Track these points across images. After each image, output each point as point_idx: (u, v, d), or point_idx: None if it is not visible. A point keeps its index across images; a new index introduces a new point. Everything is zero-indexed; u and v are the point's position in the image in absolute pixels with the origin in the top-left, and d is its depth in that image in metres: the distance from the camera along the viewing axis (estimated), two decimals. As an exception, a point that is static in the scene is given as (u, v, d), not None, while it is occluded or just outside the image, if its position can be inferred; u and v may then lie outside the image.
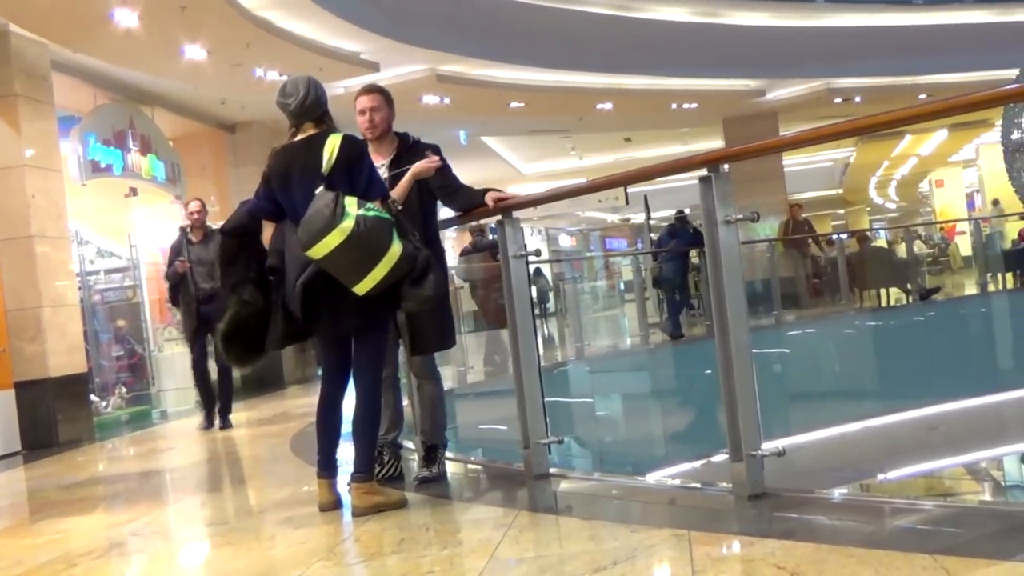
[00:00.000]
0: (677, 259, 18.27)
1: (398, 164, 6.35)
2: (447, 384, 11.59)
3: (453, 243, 33.27)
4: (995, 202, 29.21)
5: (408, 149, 6.47)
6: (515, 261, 6.24)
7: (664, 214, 28.43)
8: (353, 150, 5.65)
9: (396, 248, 5.43)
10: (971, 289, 21.58)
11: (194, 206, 11.62)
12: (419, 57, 17.29)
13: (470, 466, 7.47)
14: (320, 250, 5.36)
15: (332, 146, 5.59)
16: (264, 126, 18.02)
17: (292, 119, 5.79)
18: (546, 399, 6.29)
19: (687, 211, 19.34)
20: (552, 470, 6.19)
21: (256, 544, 5.38)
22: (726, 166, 5.04)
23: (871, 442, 12.79)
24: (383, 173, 6.22)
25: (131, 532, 6.27)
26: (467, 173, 30.55)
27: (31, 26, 12.04)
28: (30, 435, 11.76)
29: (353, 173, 5.59)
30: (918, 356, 15.61)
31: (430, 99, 19.08)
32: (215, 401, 11.71)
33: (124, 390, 15.09)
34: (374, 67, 16.61)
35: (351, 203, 5.40)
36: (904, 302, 20.29)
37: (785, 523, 4.60)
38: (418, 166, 6.22)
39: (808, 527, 4.52)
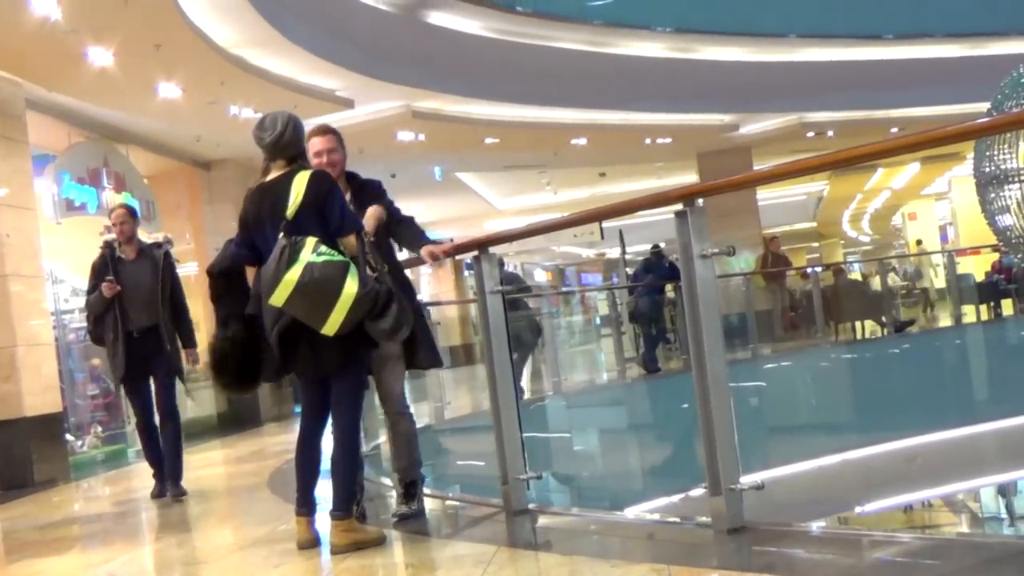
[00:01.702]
0: (653, 293, 18.31)
1: (359, 200, 6.32)
2: (424, 420, 11.60)
3: (430, 277, 33.38)
4: (919, 242, 29.50)
5: (360, 188, 6.49)
6: (491, 296, 6.25)
7: (639, 248, 28.51)
8: (322, 186, 5.64)
9: (351, 289, 5.41)
10: (946, 321, 21.68)
11: (117, 215, 9.23)
12: (394, 94, 17.31)
13: (449, 502, 7.46)
14: (276, 300, 5.42)
15: (299, 186, 5.58)
16: (239, 163, 18.00)
17: (267, 153, 5.77)
18: (524, 434, 6.29)
19: (663, 245, 19.41)
20: (531, 505, 6.19)
21: (234, 583, 5.35)
22: (701, 200, 5.06)
23: (849, 474, 12.82)
24: None
25: (107, 573, 6.23)
26: (442, 209, 30.60)
27: (6, 65, 12.02)
28: (5, 475, 11.67)
29: (324, 209, 5.58)
30: (894, 388, 15.66)
31: (405, 135, 19.12)
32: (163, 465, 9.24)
33: (99, 429, 14.98)
34: (349, 104, 16.63)
35: (307, 248, 5.40)
36: (879, 334, 20.37)
37: (764, 557, 4.60)
38: (374, 217, 6.22)
39: (787, 561, 4.52)
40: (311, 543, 5.73)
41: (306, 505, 5.79)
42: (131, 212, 9.37)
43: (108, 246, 9.13)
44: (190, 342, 9.20)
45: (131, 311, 8.84)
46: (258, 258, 5.71)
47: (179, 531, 7.81)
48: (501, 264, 18.03)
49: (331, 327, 5.43)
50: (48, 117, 13.95)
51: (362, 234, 5.73)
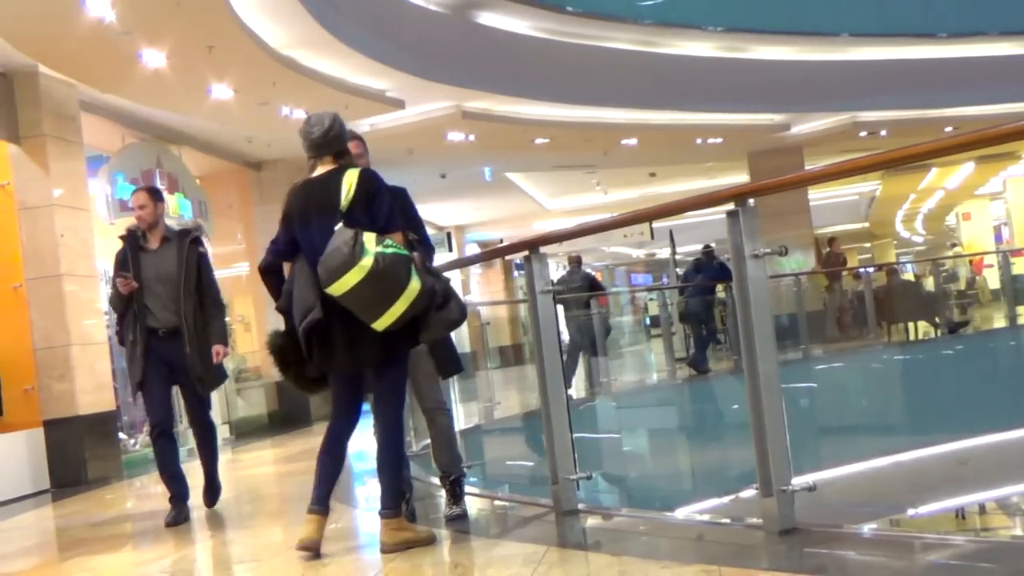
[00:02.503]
0: (703, 294, 18.25)
1: None
2: (473, 420, 11.62)
3: (479, 278, 33.44)
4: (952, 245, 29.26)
5: None
6: (542, 296, 6.25)
7: (689, 249, 28.42)
8: (372, 184, 5.69)
9: (415, 284, 5.46)
10: (1000, 322, 21.46)
11: (137, 198, 8.26)
12: (444, 94, 17.33)
13: (498, 502, 7.46)
14: (340, 287, 5.39)
15: (350, 181, 5.63)
16: (290, 164, 18.08)
17: (313, 150, 5.82)
18: (574, 435, 6.29)
19: (714, 245, 19.34)
20: (580, 506, 6.19)
21: (284, 582, 5.38)
22: (752, 200, 5.04)
23: (901, 477, 12.70)
24: None
25: (159, 570, 6.28)
26: (492, 209, 30.69)
27: (60, 67, 12.15)
28: (59, 473, 11.80)
29: (373, 207, 5.63)
30: (947, 390, 15.52)
31: (455, 136, 19.13)
32: (185, 486, 8.27)
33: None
34: (399, 104, 16.68)
35: (370, 240, 5.43)
36: (932, 335, 20.20)
37: (816, 559, 4.57)
38: None
39: (839, 563, 4.49)
40: (313, 544, 5.67)
41: (323, 504, 5.76)
42: (153, 194, 8.28)
43: (130, 235, 8.14)
44: (219, 338, 8.09)
45: (155, 308, 7.91)
46: (296, 253, 5.75)
47: (230, 529, 7.85)
48: (579, 263, 18.45)
49: (385, 321, 5.45)
50: (102, 118, 14.07)
51: (409, 236, 5.76)
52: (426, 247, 6.41)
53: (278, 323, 6.00)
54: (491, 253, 24.11)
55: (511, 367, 20.92)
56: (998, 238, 41.35)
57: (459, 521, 6.35)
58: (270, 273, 5.94)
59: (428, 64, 16.17)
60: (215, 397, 15.05)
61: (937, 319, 20.38)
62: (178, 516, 7.88)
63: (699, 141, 23.49)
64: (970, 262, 33.14)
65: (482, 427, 11.83)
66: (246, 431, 15.97)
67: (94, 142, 13.75)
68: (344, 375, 5.83)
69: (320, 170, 5.80)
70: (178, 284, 7.90)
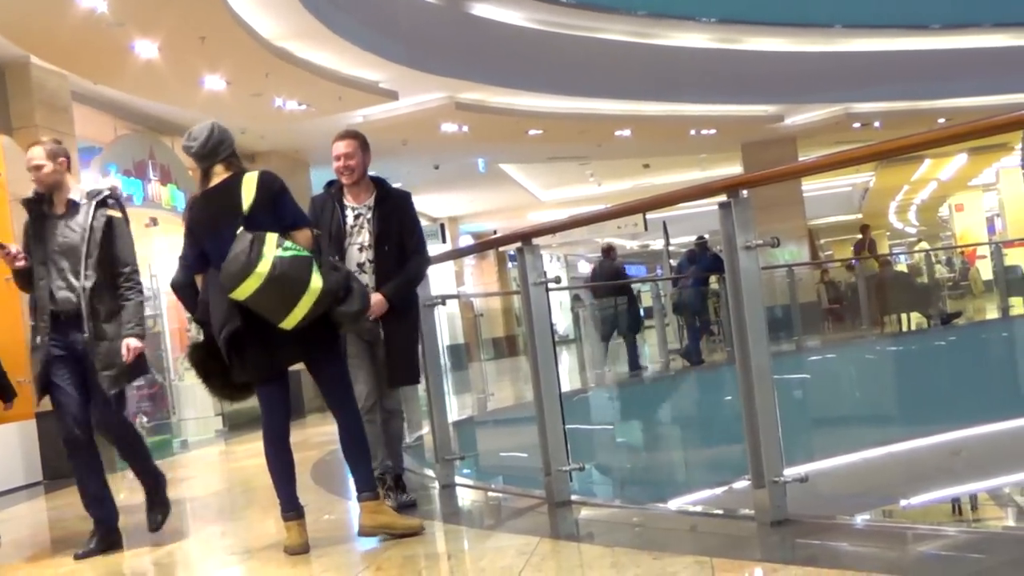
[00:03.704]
0: (697, 285, 18.27)
1: (384, 206, 6.62)
2: (467, 412, 11.63)
3: (473, 269, 33.45)
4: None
5: (386, 195, 6.70)
6: (535, 288, 6.25)
7: (682, 240, 28.42)
8: (273, 185, 5.75)
9: (316, 283, 5.49)
10: (992, 314, 21.48)
11: (34, 156, 6.64)
12: (438, 85, 17.33)
13: (491, 494, 7.46)
14: (241, 293, 5.45)
15: (250, 185, 5.66)
16: (283, 155, 18.07)
17: (198, 162, 5.85)
18: (567, 426, 6.29)
19: (707, 236, 19.35)
20: (573, 497, 6.19)
21: (278, 574, 5.38)
22: (745, 192, 5.04)
23: (893, 467, 12.72)
24: (367, 215, 6.58)
25: (152, 562, 6.28)
26: (486, 200, 30.68)
27: (52, 58, 12.13)
28: (51, 465, 11.77)
29: (278, 207, 5.70)
30: (940, 381, 15.55)
31: (449, 127, 19.13)
32: (108, 510, 6.78)
33: (144, 419, 15.09)
34: (393, 96, 16.67)
35: (270, 244, 5.47)
36: (925, 326, 20.22)
37: (808, 549, 4.58)
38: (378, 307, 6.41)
39: (831, 553, 4.50)
40: (304, 548, 5.69)
41: (293, 508, 5.79)
42: (52, 151, 6.71)
43: (33, 199, 6.69)
44: (131, 329, 6.45)
45: (57, 287, 6.46)
46: (206, 265, 5.79)
47: (223, 521, 7.85)
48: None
49: (291, 321, 5.49)
50: (94, 110, 14.06)
51: (314, 230, 5.86)
52: (420, 254, 6.64)
53: None
54: (484, 244, 24.12)
55: (504, 358, 20.91)
56: (991, 229, 41.41)
57: (411, 508, 6.48)
58: (183, 287, 6.00)
59: (422, 55, 16.17)
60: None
61: (930, 310, 20.40)
62: (96, 546, 6.51)
63: (693, 132, 23.52)
64: (962, 253, 33.23)
65: (475, 419, 11.84)
66: (240, 423, 15.93)
67: (86, 133, 13.73)
68: (266, 375, 5.79)
69: (215, 180, 5.81)
70: (80, 256, 6.44)
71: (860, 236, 23.83)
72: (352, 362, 6.36)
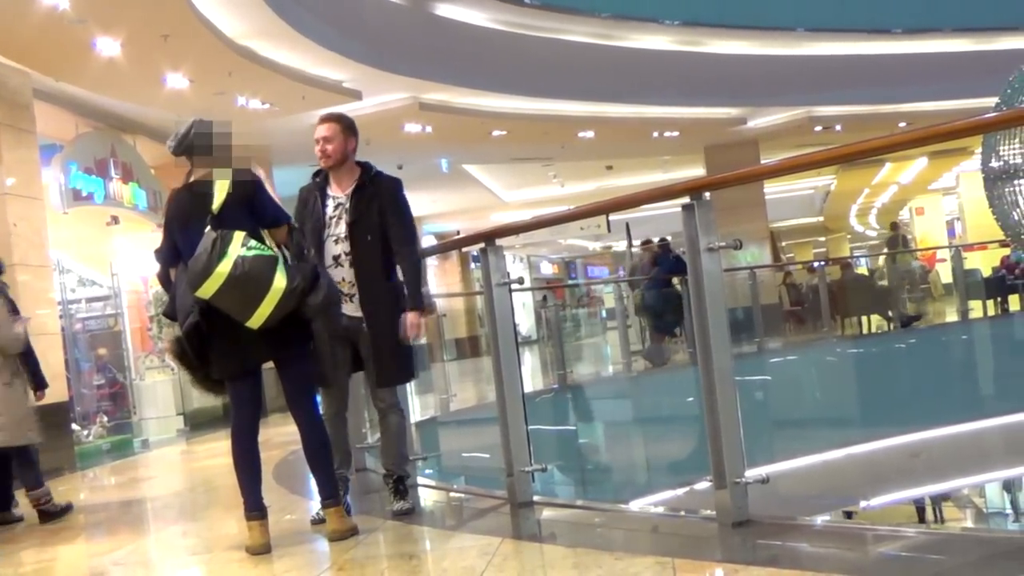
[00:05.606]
0: (659, 286, 18.30)
1: (362, 194, 6.33)
2: (429, 412, 11.61)
3: (436, 269, 33.40)
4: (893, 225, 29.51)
5: (370, 180, 6.43)
6: (498, 289, 6.25)
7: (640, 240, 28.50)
8: (247, 186, 5.74)
9: (280, 283, 5.48)
10: (952, 316, 21.63)
11: None
12: (401, 85, 17.31)
13: (453, 494, 7.46)
14: (204, 292, 5.45)
15: (223, 184, 5.65)
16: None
17: (181, 157, 5.84)
18: (529, 427, 6.29)
19: (670, 239, 19.40)
20: (536, 498, 6.19)
21: (240, 574, 5.36)
22: (708, 194, 5.06)
23: (854, 469, 12.80)
24: (345, 204, 6.32)
25: (113, 562, 6.25)
26: (449, 200, 30.53)
27: (13, 55, 12.04)
28: (11, 464, 11.68)
29: (256, 206, 5.70)
30: (900, 383, 15.64)
31: (412, 127, 19.10)
32: None
33: (105, 419, 15.02)
34: (356, 95, 16.63)
35: (235, 243, 5.46)
36: (885, 329, 20.34)
37: (769, 550, 4.60)
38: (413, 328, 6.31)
39: (792, 554, 4.52)
40: (266, 548, 5.67)
41: (259, 507, 5.77)
42: None
43: None
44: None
45: None
46: (179, 259, 5.75)
47: (184, 521, 7.81)
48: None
49: (257, 320, 5.48)
50: (56, 107, 13.96)
51: (292, 225, 5.86)
52: (410, 245, 6.40)
53: None
54: (447, 245, 24.09)
55: (467, 359, 20.90)
56: (951, 233, 41.69)
57: (407, 516, 6.31)
58: (166, 282, 5.95)
59: (386, 55, 16.15)
60: (168, 388, 15.00)
61: (890, 313, 20.52)
62: None
63: (656, 134, 23.58)
64: (920, 256, 33.46)
65: (437, 419, 11.82)
66: (201, 422, 15.88)
67: (47, 131, 13.64)
68: (236, 374, 5.78)
69: (197, 174, 5.80)
70: None
71: (892, 233, 24.25)
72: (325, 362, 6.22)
